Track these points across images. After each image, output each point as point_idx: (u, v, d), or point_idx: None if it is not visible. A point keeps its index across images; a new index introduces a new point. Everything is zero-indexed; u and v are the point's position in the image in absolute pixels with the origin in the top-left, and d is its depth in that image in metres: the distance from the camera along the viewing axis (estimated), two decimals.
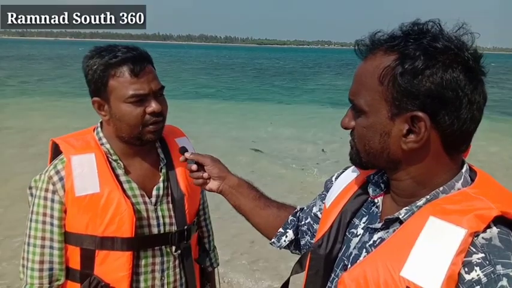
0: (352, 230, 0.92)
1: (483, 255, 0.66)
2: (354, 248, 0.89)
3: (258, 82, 24.55)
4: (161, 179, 1.39)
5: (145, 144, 1.33)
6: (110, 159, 1.32)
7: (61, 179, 1.26)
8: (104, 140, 1.33)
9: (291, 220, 1.18)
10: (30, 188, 1.32)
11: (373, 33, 0.79)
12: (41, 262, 1.26)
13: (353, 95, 0.81)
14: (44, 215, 1.27)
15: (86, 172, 1.26)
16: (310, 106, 15.15)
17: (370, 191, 0.91)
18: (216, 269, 1.68)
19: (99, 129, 1.36)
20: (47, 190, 1.26)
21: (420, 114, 0.72)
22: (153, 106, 1.25)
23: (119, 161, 1.33)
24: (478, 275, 0.65)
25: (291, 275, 1.10)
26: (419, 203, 0.78)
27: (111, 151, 1.33)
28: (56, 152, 1.34)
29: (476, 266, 0.65)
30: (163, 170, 1.40)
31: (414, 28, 0.75)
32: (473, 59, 0.73)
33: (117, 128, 1.29)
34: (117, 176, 1.30)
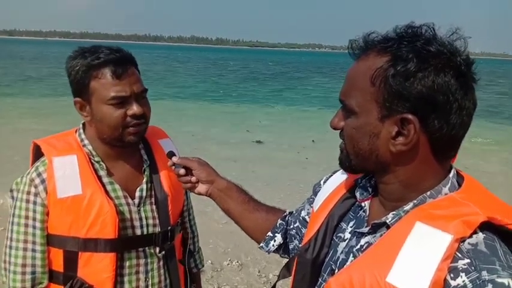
0: (340, 234, 0.91)
1: (469, 261, 0.66)
2: (341, 252, 0.88)
3: (249, 84, 24.74)
4: (144, 180, 1.38)
5: (128, 146, 1.32)
6: (93, 161, 1.31)
7: (43, 181, 1.24)
8: (86, 142, 1.32)
9: (279, 224, 1.17)
10: (12, 190, 1.30)
11: (367, 34, 0.79)
12: (24, 265, 1.25)
13: (344, 95, 0.80)
14: (26, 217, 1.25)
15: (68, 174, 1.25)
16: (298, 106, 15.96)
17: (358, 194, 0.90)
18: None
19: (81, 130, 1.35)
20: (28, 193, 1.25)
21: (410, 116, 0.72)
22: (134, 109, 1.25)
23: (101, 163, 1.32)
24: (463, 281, 0.65)
25: (278, 279, 1.09)
26: (407, 207, 0.77)
27: (94, 152, 1.32)
28: (38, 153, 1.32)
29: (462, 272, 0.65)
30: (147, 172, 1.40)
31: (408, 31, 0.75)
32: (466, 65, 0.73)
33: (98, 129, 1.28)
34: (99, 178, 1.29)
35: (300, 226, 1.11)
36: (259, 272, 3.73)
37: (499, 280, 0.63)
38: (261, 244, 1.19)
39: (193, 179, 1.23)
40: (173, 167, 1.26)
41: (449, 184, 0.77)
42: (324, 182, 1.05)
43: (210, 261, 3.78)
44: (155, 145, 1.45)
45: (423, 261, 0.67)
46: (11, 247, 1.26)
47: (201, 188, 1.23)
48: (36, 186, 1.24)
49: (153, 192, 1.39)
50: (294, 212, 1.17)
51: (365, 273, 0.72)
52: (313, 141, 9.19)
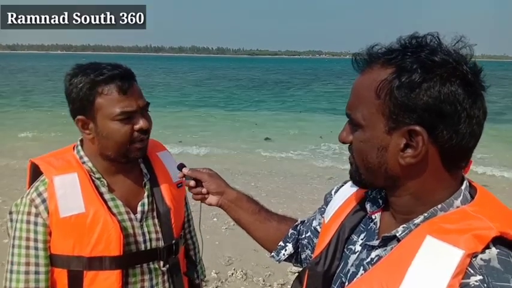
0: (351, 246, 0.90)
1: (481, 277, 0.64)
2: (352, 265, 0.87)
3: (250, 92, 25.19)
4: (145, 194, 1.37)
5: (131, 162, 1.32)
6: (93, 178, 1.29)
7: (44, 201, 1.22)
8: (86, 159, 1.31)
9: (291, 233, 1.17)
10: (11, 213, 1.26)
11: (370, 47, 0.78)
12: None
13: (350, 108, 0.80)
14: (27, 239, 1.21)
15: (69, 192, 1.22)
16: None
17: (368, 207, 0.89)
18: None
19: (80, 147, 1.33)
20: (29, 213, 1.21)
21: (418, 128, 0.70)
22: (141, 123, 1.25)
23: (102, 179, 1.30)
24: None
25: None
26: (417, 220, 0.76)
27: (94, 169, 1.30)
28: (35, 173, 1.30)
29: None
30: (147, 186, 1.38)
31: (412, 41, 0.74)
32: (473, 73, 0.71)
33: (103, 146, 1.26)
34: (101, 194, 1.27)
35: (311, 236, 1.11)
36: (263, 281, 3.71)
37: None
38: (272, 253, 1.19)
39: (204, 190, 1.23)
40: (183, 179, 1.27)
41: (461, 197, 0.75)
42: (335, 192, 1.04)
43: (214, 271, 3.77)
44: (154, 158, 1.44)
45: (434, 277, 0.65)
46: (11, 271, 1.21)
47: (212, 199, 1.24)
48: (36, 207, 1.21)
49: (154, 206, 1.38)
50: (306, 221, 1.17)
51: (374, 287, 0.70)
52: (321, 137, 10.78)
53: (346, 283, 0.85)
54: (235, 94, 24.76)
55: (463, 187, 0.76)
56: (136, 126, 1.24)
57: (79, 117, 1.25)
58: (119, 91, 1.21)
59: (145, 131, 1.27)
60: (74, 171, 1.26)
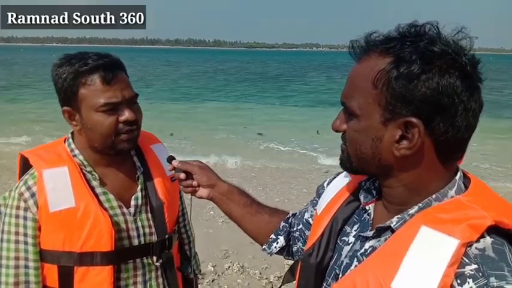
0: (344, 237, 0.90)
1: (476, 266, 0.64)
2: (346, 256, 0.86)
3: (246, 85, 25.15)
4: (139, 188, 1.34)
5: (120, 154, 1.29)
6: (84, 171, 1.26)
7: (33, 195, 1.19)
8: (77, 152, 1.28)
9: (282, 226, 1.16)
10: None
11: (368, 34, 0.76)
12: (16, 283, 1.19)
13: (345, 97, 0.78)
14: (17, 233, 1.19)
15: (59, 186, 1.20)
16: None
17: (362, 197, 0.89)
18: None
19: (71, 140, 1.31)
20: (18, 208, 1.19)
21: (414, 120, 0.69)
22: (127, 114, 1.21)
23: (93, 173, 1.27)
24: (471, 287, 0.63)
25: (282, 283, 1.08)
26: (412, 211, 0.75)
27: (85, 162, 1.27)
28: (25, 166, 1.27)
29: (469, 278, 0.63)
30: (141, 179, 1.36)
31: (411, 30, 0.73)
32: (471, 65, 0.70)
33: (89, 138, 1.24)
34: (92, 188, 1.25)
35: (303, 228, 1.10)
36: (260, 274, 3.71)
37: (508, 287, 0.61)
38: (264, 246, 1.18)
39: (195, 183, 1.22)
40: (173, 172, 1.25)
41: (456, 187, 0.75)
42: (328, 184, 1.04)
43: (210, 264, 3.77)
44: (148, 151, 1.41)
45: (429, 267, 0.65)
46: (0, 265, 1.20)
47: (202, 192, 1.22)
48: (25, 201, 1.19)
49: (148, 200, 1.35)
50: (297, 213, 1.16)
51: (369, 278, 0.70)
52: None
53: (340, 275, 0.85)
54: (230, 87, 24.70)
55: (457, 177, 0.76)
56: (121, 118, 1.21)
57: (65, 108, 1.24)
58: (102, 81, 1.18)
59: (132, 123, 1.23)
60: (65, 164, 1.24)
